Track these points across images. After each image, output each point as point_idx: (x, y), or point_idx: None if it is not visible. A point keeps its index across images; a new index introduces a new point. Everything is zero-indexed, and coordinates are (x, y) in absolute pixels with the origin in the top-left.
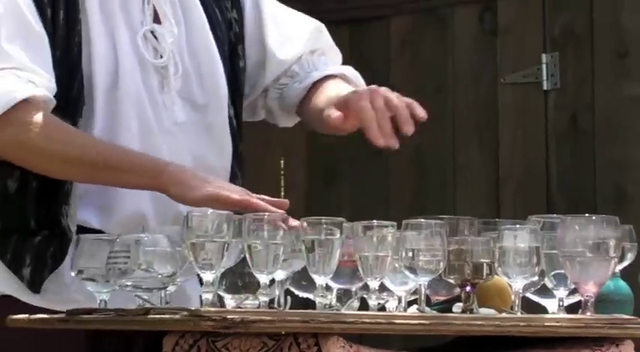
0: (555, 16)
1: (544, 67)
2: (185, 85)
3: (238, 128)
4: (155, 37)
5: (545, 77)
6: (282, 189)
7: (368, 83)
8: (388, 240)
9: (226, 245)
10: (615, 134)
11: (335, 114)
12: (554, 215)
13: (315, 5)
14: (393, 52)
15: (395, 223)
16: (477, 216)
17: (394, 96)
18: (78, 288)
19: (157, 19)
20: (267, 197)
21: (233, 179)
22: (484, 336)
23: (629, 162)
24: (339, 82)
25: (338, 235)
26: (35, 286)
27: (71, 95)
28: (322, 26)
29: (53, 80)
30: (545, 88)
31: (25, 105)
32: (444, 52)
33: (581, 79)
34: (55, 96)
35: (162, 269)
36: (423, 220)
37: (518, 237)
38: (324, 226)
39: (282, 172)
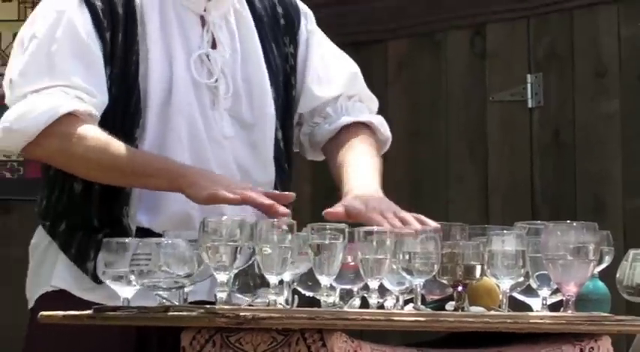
0: (539, 39)
1: (529, 86)
2: (234, 104)
3: (286, 150)
4: (209, 60)
5: (530, 96)
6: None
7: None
8: (387, 244)
9: (239, 248)
10: (594, 148)
11: (336, 212)
12: (539, 222)
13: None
14: (391, 73)
15: (393, 229)
16: (467, 222)
17: (406, 214)
18: None
19: (214, 46)
20: (274, 191)
21: None
22: (474, 332)
23: (607, 173)
24: (365, 138)
25: (341, 240)
26: (97, 278)
27: (129, 109)
28: (359, 71)
29: (104, 98)
30: (530, 105)
31: (68, 118)
32: (438, 73)
33: (563, 98)
34: (112, 110)
35: (181, 270)
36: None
37: (505, 242)
38: (329, 232)
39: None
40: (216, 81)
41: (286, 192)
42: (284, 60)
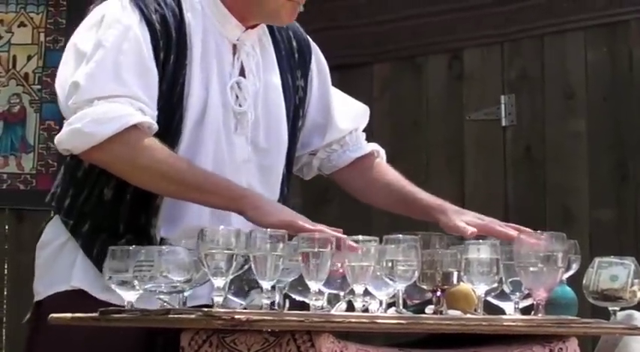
0: (512, 63)
1: (502, 106)
2: (254, 130)
3: (287, 174)
4: (239, 87)
5: (503, 115)
6: None
7: None
8: (371, 252)
9: (235, 255)
10: (562, 163)
11: (471, 230)
12: None
13: None
14: (375, 93)
15: (377, 238)
16: (445, 232)
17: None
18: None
19: (242, 73)
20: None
21: None
22: (452, 334)
23: (574, 186)
24: (389, 168)
25: (329, 248)
26: None
27: (172, 125)
28: (367, 109)
29: (156, 111)
30: (503, 124)
31: (136, 129)
32: (419, 94)
33: (534, 117)
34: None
35: (180, 276)
36: (400, 236)
37: (481, 250)
38: (317, 241)
39: None
40: (245, 108)
41: (337, 229)
42: (295, 91)
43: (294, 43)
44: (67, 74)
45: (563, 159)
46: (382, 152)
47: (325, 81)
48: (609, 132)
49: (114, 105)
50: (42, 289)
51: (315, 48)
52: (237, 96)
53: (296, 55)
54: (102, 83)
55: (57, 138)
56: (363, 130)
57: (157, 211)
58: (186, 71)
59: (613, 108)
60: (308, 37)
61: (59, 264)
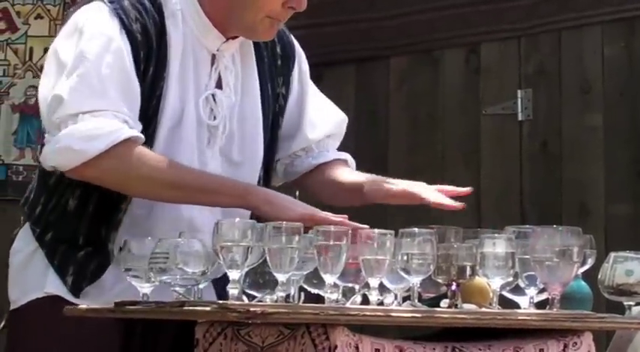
0: (529, 58)
1: (519, 101)
2: (227, 144)
3: (265, 186)
4: (214, 100)
5: (520, 109)
6: None
7: (370, 112)
8: (387, 245)
9: (250, 248)
10: (579, 158)
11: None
12: (527, 226)
13: (326, 47)
14: (392, 87)
15: (393, 232)
16: (461, 226)
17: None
18: (118, 293)
19: (218, 85)
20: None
21: None
22: (466, 327)
23: (590, 181)
24: (346, 167)
25: (345, 241)
26: (75, 292)
27: (146, 136)
28: (346, 119)
29: (140, 127)
30: (520, 118)
31: (125, 142)
32: (436, 88)
33: (550, 111)
34: None
35: (196, 268)
36: (416, 229)
37: (496, 244)
38: (333, 234)
39: (298, 192)
40: (218, 122)
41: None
42: (275, 100)
43: (278, 49)
44: (49, 86)
45: (579, 153)
46: (350, 161)
47: (304, 87)
48: (625, 127)
49: (101, 119)
50: (16, 296)
51: (299, 52)
52: (211, 109)
53: (279, 62)
54: (86, 97)
55: (42, 155)
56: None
57: (118, 226)
58: (163, 84)
59: (629, 103)
60: (294, 40)
61: (32, 270)
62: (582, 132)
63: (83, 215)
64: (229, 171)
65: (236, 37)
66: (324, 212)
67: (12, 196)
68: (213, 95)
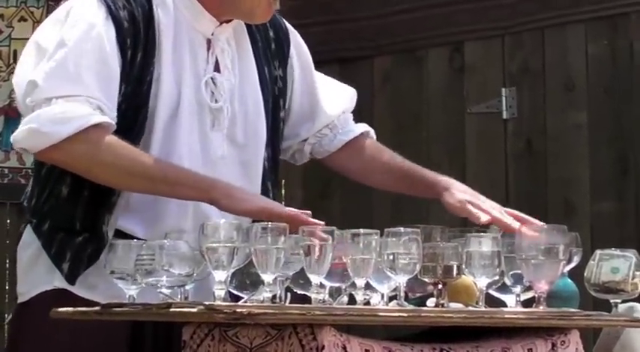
0: (513, 56)
1: (503, 99)
2: (230, 126)
3: (272, 167)
4: (214, 83)
5: (504, 108)
6: (283, 203)
7: (354, 112)
8: (372, 245)
9: (236, 249)
10: (563, 156)
11: (485, 218)
12: None
13: (310, 47)
14: (376, 86)
15: (378, 231)
16: (447, 225)
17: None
18: None
19: (216, 69)
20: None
21: None
22: (453, 327)
23: (575, 179)
24: (386, 149)
25: (330, 241)
26: (71, 279)
27: (134, 126)
28: (355, 92)
29: (115, 115)
30: (504, 117)
31: (95, 127)
32: (420, 87)
33: (535, 109)
34: (118, 124)
35: (182, 269)
36: (402, 229)
37: (482, 243)
38: (319, 234)
39: (284, 190)
40: (220, 104)
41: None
42: (273, 82)
43: (271, 33)
44: (25, 71)
45: (564, 151)
46: (372, 132)
47: (307, 67)
48: (610, 125)
49: (72, 104)
50: (25, 290)
51: (294, 35)
52: (212, 93)
53: (273, 45)
54: (60, 83)
55: (13, 136)
56: (361, 120)
57: (112, 208)
58: (154, 69)
59: (614, 101)
60: (287, 24)
61: (41, 264)
62: (567, 129)
63: (78, 201)
64: (234, 153)
65: (230, 21)
66: (284, 207)
67: None
68: (212, 79)
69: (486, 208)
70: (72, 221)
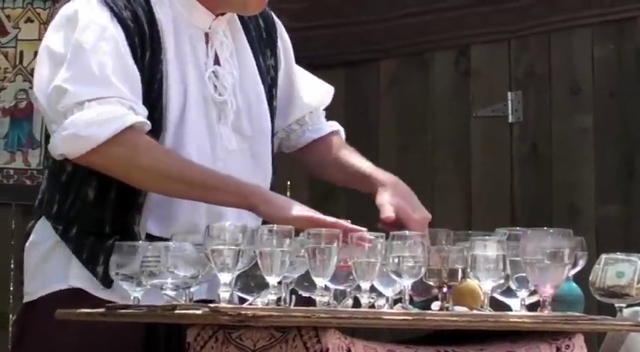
0: (519, 60)
1: (509, 103)
2: (236, 119)
3: (274, 157)
4: (216, 76)
5: (510, 112)
6: None
7: (360, 115)
8: (378, 248)
9: (241, 251)
10: (569, 159)
11: (390, 218)
12: (518, 228)
13: (316, 50)
14: (382, 89)
15: (384, 234)
16: (452, 228)
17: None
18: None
19: (217, 62)
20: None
21: None
22: (458, 330)
23: (581, 183)
24: (346, 147)
25: (335, 244)
26: (107, 282)
27: (153, 125)
28: (332, 89)
29: (146, 113)
30: (510, 120)
31: (132, 129)
32: (426, 90)
33: (540, 113)
34: None
35: (187, 271)
36: (407, 232)
37: (487, 247)
38: (324, 237)
39: (289, 192)
40: (225, 97)
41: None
42: (267, 72)
43: (261, 21)
44: (45, 78)
45: (569, 155)
46: (342, 131)
47: (289, 58)
48: (616, 129)
49: (107, 106)
50: (34, 289)
51: (278, 24)
52: (215, 86)
53: (264, 34)
54: (89, 86)
55: (51, 144)
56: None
57: (141, 209)
58: (162, 66)
59: (619, 105)
60: (271, 12)
61: (53, 263)
62: (572, 133)
63: (106, 204)
64: (244, 146)
65: (224, 14)
66: (321, 214)
67: (2, 200)
68: (214, 72)
69: (412, 218)
70: (101, 224)
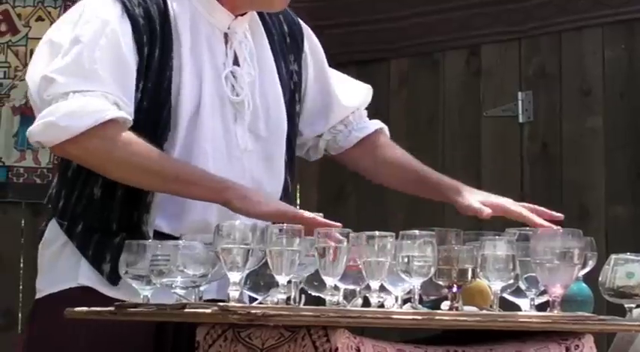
0: (529, 60)
1: (520, 103)
2: (253, 120)
3: (290, 161)
4: (234, 76)
5: (520, 111)
6: (298, 207)
7: (370, 114)
8: (387, 247)
9: (251, 250)
10: (579, 160)
11: (487, 211)
12: (528, 228)
13: (327, 50)
14: (393, 89)
15: (393, 234)
16: (462, 228)
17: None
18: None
19: (235, 62)
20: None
21: None
22: (467, 330)
23: (591, 183)
24: (394, 144)
25: (345, 243)
26: (114, 280)
27: (159, 122)
28: (371, 88)
29: (132, 110)
30: (520, 120)
31: (112, 123)
32: (436, 90)
33: (551, 114)
34: (142, 122)
35: (197, 270)
36: (416, 231)
37: (497, 247)
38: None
39: (299, 192)
40: (241, 97)
41: (333, 222)
42: (289, 77)
43: (285, 27)
44: (39, 67)
45: (579, 155)
46: (386, 129)
47: (320, 62)
48: (626, 129)
49: (89, 99)
50: (44, 286)
51: (307, 30)
52: (232, 86)
53: (288, 39)
54: (77, 78)
55: (29, 130)
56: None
57: (149, 207)
58: (173, 64)
59: (630, 105)
60: (299, 19)
61: (64, 261)
62: (583, 134)
63: (112, 201)
64: (258, 147)
65: (245, 14)
66: (298, 210)
67: (13, 198)
68: (232, 72)
69: (500, 202)
70: (107, 222)
